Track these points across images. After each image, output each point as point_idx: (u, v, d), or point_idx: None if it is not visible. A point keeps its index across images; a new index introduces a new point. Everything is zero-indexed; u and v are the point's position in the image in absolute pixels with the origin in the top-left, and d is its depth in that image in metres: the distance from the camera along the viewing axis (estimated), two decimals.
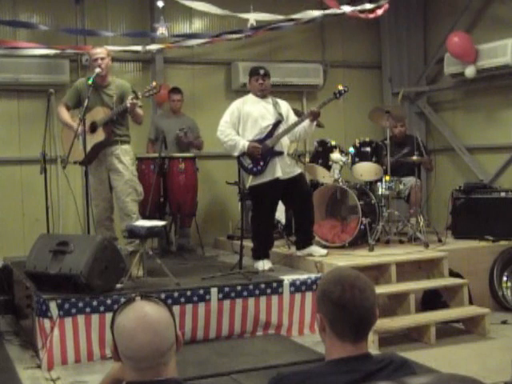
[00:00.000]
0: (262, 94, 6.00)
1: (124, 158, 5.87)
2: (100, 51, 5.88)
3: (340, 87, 5.96)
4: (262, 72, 5.99)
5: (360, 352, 1.97)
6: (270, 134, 5.91)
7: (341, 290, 1.95)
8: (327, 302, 1.97)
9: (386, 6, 7.57)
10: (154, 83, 5.98)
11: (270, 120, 5.94)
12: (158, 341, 1.85)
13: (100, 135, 5.78)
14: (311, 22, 8.08)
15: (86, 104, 5.57)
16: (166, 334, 1.89)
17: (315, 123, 5.99)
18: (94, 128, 5.78)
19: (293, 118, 6.06)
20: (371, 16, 7.63)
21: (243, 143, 5.85)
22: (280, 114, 5.96)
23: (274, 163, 5.87)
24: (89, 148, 5.72)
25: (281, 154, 5.92)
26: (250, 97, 6.04)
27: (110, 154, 5.86)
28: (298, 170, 6.06)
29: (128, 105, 5.62)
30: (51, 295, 4.86)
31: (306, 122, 5.93)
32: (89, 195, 5.64)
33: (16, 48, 7.28)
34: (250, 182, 5.79)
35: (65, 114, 5.93)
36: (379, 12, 7.60)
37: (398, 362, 2.00)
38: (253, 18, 7.32)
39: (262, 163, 5.85)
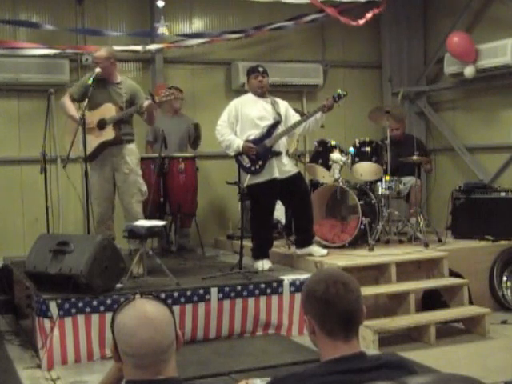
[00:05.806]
0: (262, 92, 5.99)
1: (129, 157, 5.85)
2: (98, 55, 5.84)
3: (339, 91, 5.94)
4: (260, 69, 6.00)
5: (353, 351, 1.97)
6: (269, 134, 5.90)
7: (325, 287, 1.97)
8: (313, 300, 1.99)
9: (373, 13, 7.47)
10: (170, 89, 6.02)
11: (269, 120, 5.94)
12: (159, 337, 1.87)
13: (109, 134, 5.74)
14: (311, 23, 8.08)
15: (85, 103, 5.56)
16: (167, 330, 1.90)
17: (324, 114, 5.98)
18: (102, 125, 5.74)
19: (293, 115, 6.07)
20: (361, 22, 7.54)
21: (238, 143, 5.85)
22: (279, 114, 5.95)
23: (272, 163, 5.87)
24: (96, 144, 5.73)
25: (279, 154, 5.92)
26: (249, 96, 6.04)
27: (115, 154, 5.83)
28: (295, 170, 6.06)
29: (145, 106, 5.67)
30: (51, 295, 4.85)
31: (318, 114, 5.94)
32: (89, 195, 5.63)
33: (16, 48, 7.27)
34: (247, 180, 5.80)
35: (70, 106, 5.87)
36: (368, 16, 7.52)
37: (395, 362, 1.99)
38: None
39: (260, 163, 5.85)
